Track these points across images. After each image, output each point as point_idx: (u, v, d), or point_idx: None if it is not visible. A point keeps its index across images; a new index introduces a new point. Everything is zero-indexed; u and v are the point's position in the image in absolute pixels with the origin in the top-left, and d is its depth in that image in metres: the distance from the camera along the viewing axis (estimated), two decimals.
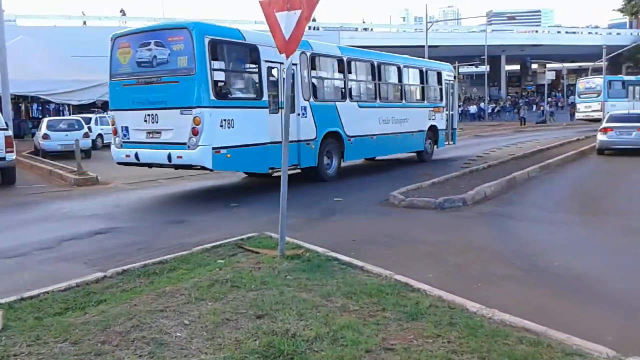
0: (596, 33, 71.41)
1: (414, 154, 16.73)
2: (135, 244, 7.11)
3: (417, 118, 15.96)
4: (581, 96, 32.37)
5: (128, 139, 10.38)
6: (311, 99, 11.83)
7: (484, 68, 58.00)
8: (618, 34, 70.94)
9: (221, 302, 4.42)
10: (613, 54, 45.47)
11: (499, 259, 6.27)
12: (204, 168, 9.89)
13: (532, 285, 5.36)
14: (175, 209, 9.77)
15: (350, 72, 13.24)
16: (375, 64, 14.28)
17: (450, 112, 18.19)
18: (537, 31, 74.33)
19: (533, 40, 64.27)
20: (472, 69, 71.62)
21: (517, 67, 76.58)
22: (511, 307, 4.33)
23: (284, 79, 10.01)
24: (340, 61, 12.96)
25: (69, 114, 27.96)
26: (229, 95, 10.22)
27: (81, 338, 3.77)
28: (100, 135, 23.59)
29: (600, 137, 17.97)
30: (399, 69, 15.35)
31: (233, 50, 10.51)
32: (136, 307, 4.36)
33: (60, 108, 30.39)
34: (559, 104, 59.21)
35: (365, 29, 59.19)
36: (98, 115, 25.05)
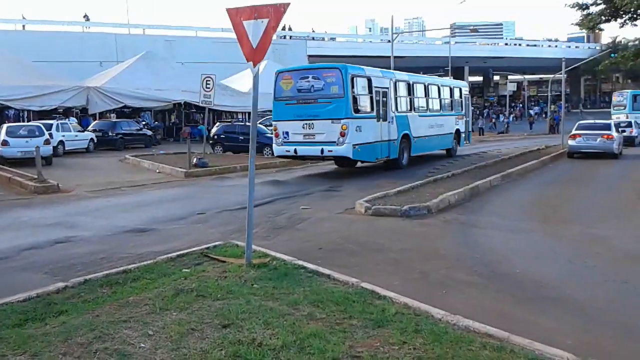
0: (556, 46, 73.66)
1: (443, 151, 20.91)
2: (97, 253, 6.96)
3: (449, 124, 20.72)
4: (615, 108, 33.81)
5: (288, 140, 14.87)
6: (395, 112, 16.40)
7: (449, 79, 59.09)
8: (577, 47, 73.36)
9: (186, 312, 4.37)
10: (572, 66, 46.89)
11: (462, 266, 6.37)
12: (347, 158, 14.63)
13: (494, 291, 5.47)
14: (140, 218, 9.61)
15: (414, 92, 18.16)
16: (426, 84, 19.42)
17: (467, 119, 22.74)
18: (499, 44, 76.18)
19: (495, 53, 65.83)
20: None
21: (480, 78, 78.22)
22: (475, 314, 4.42)
23: (384, 99, 15.87)
24: (408, 84, 17.86)
25: (29, 120, 27.22)
26: (359, 111, 14.75)
27: (41, 350, 3.68)
28: (61, 142, 22.98)
29: (570, 142, 20.61)
30: (438, 87, 20.25)
31: (360, 81, 15.02)
32: (98, 317, 4.28)
33: (20, 114, 29.60)
34: (513, 115, 60.57)
35: (332, 39, 59.61)
36: (60, 121, 24.43)
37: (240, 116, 34.25)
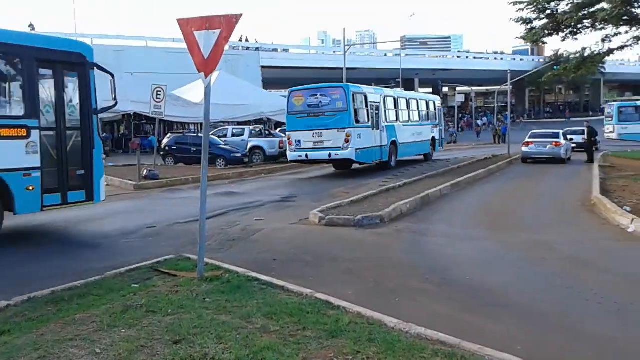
0: (502, 59, 76.42)
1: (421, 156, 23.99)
2: (42, 270, 6.69)
3: (427, 132, 24.06)
4: (606, 119, 35.74)
5: (300, 147, 17.70)
6: (385, 122, 19.63)
7: (400, 90, 60.21)
8: (522, 59, 76.28)
9: (135, 329, 4.25)
10: (517, 78, 48.64)
11: (414, 274, 6.46)
12: (350, 160, 17.71)
13: (445, 298, 5.57)
14: (88, 232, 9.32)
15: (398, 105, 21.43)
16: (408, 98, 22.99)
17: (440, 128, 26.46)
18: (447, 56, 78.25)
19: (444, 65, 67.65)
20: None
21: (429, 89, 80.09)
22: (427, 321, 4.48)
23: (377, 111, 19.07)
24: (394, 98, 21.33)
25: None
26: (359, 121, 17.70)
27: None
28: None
29: (524, 149, 23.14)
30: (417, 101, 23.80)
31: (359, 97, 18.05)
32: (43, 336, 4.11)
33: None
34: (460, 126, 62.23)
35: (285, 50, 59.80)
36: None
37: (192, 127, 33.83)
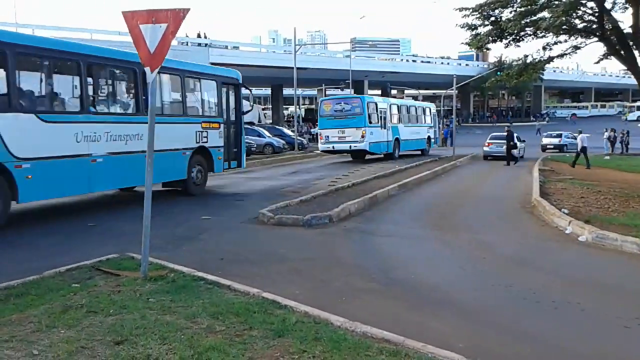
0: (448, 63, 78.15)
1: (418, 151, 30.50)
2: None
3: (423, 132, 31.31)
4: None
5: (329, 140, 24.46)
6: (390, 123, 26.37)
7: (349, 92, 60.70)
8: (467, 65, 78.29)
9: (75, 329, 4.11)
10: (462, 83, 49.93)
11: (361, 273, 6.53)
12: (365, 150, 24.29)
13: (391, 297, 5.66)
14: (25, 230, 8.93)
15: (401, 111, 28.63)
16: (408, 105, 30.65)
17: (435, 129, 34.13)
18: (396, 59, 79.49)
19: (392, 68, 68.64)
20: (338, 92, 74.61)
21: (379, 92, 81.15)
22: (373, 319, 4.53)
23: (385, 115, 26.00)
24: (398, 106, 28.64)
25: None
26: (372, 122, 24.37)
27: None
28: None
29: (485, 148, 28.33)
30: (415, 107, 31.34)
31: (371, 104, 25.01)
32: None
33: None
34: None
35: (235, 47, 59.15)
36: None
37: None
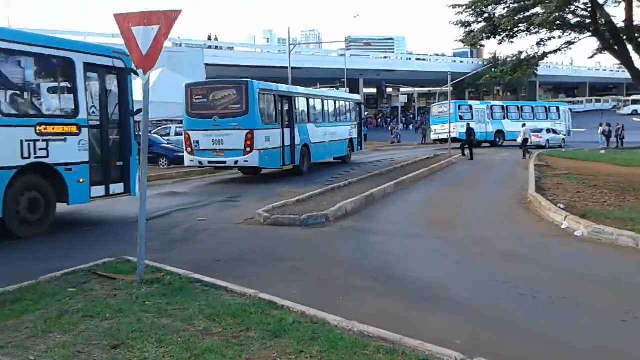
0: (443, 60, 78.15)
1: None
2: None
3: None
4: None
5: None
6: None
7: (344, 90, 60.74)
8: (461, 62, 78.28)
9: (72, 334, 4.09)
10: (457, 80, 49.99)
11: (359, 272, 6.53)
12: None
13: (388, 295, 5.66)
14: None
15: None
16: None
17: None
18: (391, 57, 79.45)
19: (387, 66, 68.54)
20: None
21: (374, 90, 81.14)
22: (370, 318, 4.53)
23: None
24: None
25: None
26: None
27: None
28: None
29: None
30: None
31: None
32: None
33: None
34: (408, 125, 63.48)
35: (230, 48, 59.03)
36: None
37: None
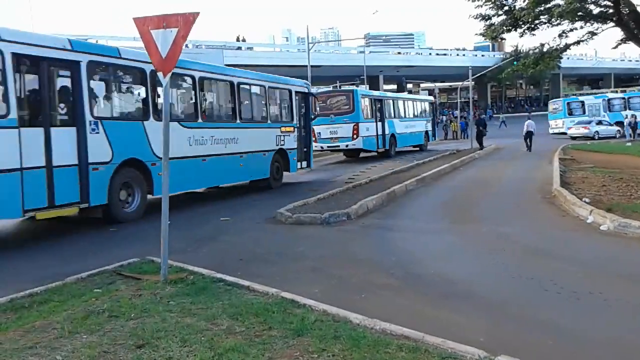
0: (464, 55, 77.44)
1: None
2: None
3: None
4: None
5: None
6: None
7: (364, 87, 60.60)
8: (483, 55, 77.48)
9: (98, 334, 4.17)
10: (479, 74, 49.47)
11: (380, 269, 6.51)
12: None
13: (410, 293, 5.63)
14: (44, 235, 9.10)
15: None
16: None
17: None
18: (411, 53, 79.06)
19: (407, 62, 68.22)
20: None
21: (394, 86, 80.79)
22: (392, 316, 4.52)
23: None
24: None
25: None
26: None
27: None
28: None
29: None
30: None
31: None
32: (1, 345, 4.00)
33: None
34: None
35: (249, 48, 59.39)
36: None
37: None
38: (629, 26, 14.53)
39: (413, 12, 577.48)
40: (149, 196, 10.50)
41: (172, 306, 4.77)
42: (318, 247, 7.84)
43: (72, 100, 8.96)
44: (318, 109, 20.35)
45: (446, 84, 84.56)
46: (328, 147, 22.97)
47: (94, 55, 9.35)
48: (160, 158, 8.49)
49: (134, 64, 10.23)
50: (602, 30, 15.58)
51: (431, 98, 36.75)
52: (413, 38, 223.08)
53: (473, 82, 39.30)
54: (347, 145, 22.46)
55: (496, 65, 54.63)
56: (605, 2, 14.61)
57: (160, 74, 5.63)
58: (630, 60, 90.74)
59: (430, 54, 77.98)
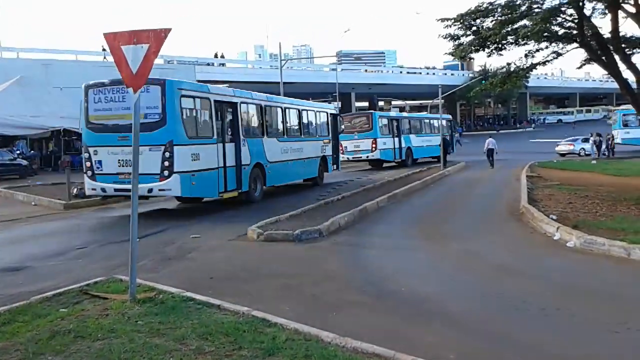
0: (434, 73, 78.63)
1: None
2: None
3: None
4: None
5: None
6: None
7: (336, 104, 60.96)
8: (452, 74, 78.84)
9: (63, 355, 4.07)
10: (448, 92, 50.26)
11: (352, 287, 6.51)
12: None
13: (382, 310, 5.64)
14: (12, 255, 8.83)
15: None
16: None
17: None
18: (382, 71, 79.94)
19: (379, 80, 68.92)
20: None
21: (366, 103, 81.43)
22: (364, 334, 4.52)
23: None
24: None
25: None
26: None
27: None
28: None
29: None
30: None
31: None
32: None
33: None
34: None
35: (222, 64, 59.20)
36: None
37: None
38: (592, 48, 14.97)
39: (384, 31, 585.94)
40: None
41: (140, 326, 4.68)
42: (290, 265, 7.80)
43: (233, 126, 13.82)
44: (344, 127, 24.35)
45: (416, 102, 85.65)
46: (353, 157, 28.09)
47: (242, 97, 14.62)
48: (270, 162, 15.27)
49: (257, 101, 15.43)
50: (567, 50, 16.00)
51: (449, 116, 39.37)
52: (384, 56, 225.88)
53: (443, 101, 39.90)
54: (367, 156, 27.75)
55: (465, 84, 55.63)
56: (569, 24, 15.04)
57: (130, 90, 5.57)
58: (595, 80, 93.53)
59: (401, 72, 78.98)
